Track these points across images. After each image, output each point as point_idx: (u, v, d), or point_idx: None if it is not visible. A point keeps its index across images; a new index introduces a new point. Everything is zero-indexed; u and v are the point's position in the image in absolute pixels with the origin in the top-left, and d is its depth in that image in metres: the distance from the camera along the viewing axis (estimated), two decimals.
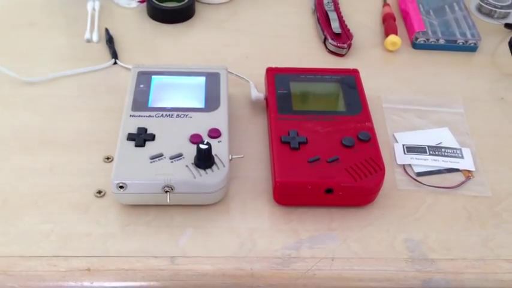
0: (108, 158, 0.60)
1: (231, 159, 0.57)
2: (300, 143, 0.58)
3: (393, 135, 0.65)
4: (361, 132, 0.59)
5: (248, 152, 0.62)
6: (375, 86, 0.70)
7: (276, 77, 0.66)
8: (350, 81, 0.66)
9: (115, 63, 0.73)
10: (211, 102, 0.62)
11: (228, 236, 0.54)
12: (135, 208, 0.56)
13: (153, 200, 0.55)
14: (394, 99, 0.69)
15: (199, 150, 0.54)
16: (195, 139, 0.57)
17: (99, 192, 0.57)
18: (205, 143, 0.54)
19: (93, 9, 0.81)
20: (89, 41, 0.77)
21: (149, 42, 0.78)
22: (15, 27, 0.78)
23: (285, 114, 0.61)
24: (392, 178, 0.60)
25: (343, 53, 0.76)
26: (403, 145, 0.63)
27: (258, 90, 0.68)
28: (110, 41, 0.76)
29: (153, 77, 0.65)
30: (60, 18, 0.81)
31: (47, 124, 0.64)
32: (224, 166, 0.55)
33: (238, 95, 0.69)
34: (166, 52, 0.76)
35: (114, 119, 0.61)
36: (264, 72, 0.68)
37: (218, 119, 0.60)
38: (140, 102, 0.62)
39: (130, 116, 0.60)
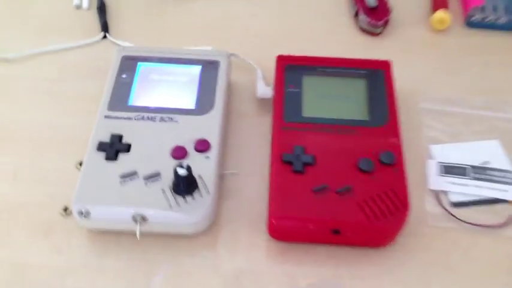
0: (81, 164, 0.51)
1: (222, 175, 0.47)
2: (305, 164, 0.47)
3: (428, 147, 0.52)
4: (384, 153, 0.47)
5: (246, 164, 0.51)
6: (412, 78, 0.57)
7: (287, 69, 0.54)
8: (378, 78, 0.53)
9: (105, 37, 0.62)
10: (204, 102, 0.51)
11: (210, 276, 0.45)
12: (104, 234, 0.47)
13: (122, 227, 0.45)
14: (435, 98, 0.56)
15: (176, 175, 0.44)
16: (177, 154, 0.47)
17: (65, 209, 0.48)
18: (184, 166, 0.44)
19: None
20: (78, 7, 0.66)
21: (150, 11, 0.66)
22: None
23: (292, 122, 0.50)
24: (421, 208, 0.48)
25: (378, 32, 0.62)
26: (439, 163, 0.51)
27: (267, 83, 0.56)
28: (101, 8, 0.64)
29: (139, 63, 0.54)
30: None
31: (15, 114, 0.55)
32: (209, 193, 0.45)
33: (244, 84, 0.58)
34: (168, 24, 0.64)
35: (96, 112, 0.51)
36: (276, 55, 0.56)
37: (209, 125, 0.49)
38: (119, 99, 0.51)
39: (105, 117, 0.50)
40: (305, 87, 0.52)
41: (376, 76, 0.53)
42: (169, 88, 0.52)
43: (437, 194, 0.49)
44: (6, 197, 0.49)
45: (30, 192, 0.50)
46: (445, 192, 0.49)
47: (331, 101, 0.51)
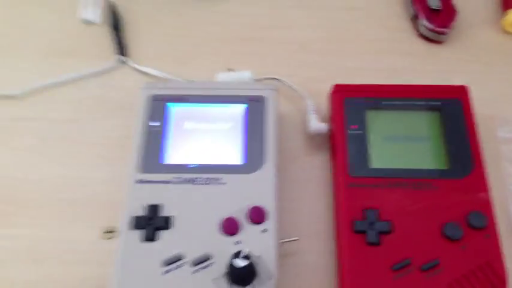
0: (110, 232, 0.44)
1: (281, 243, 0.41)
2: (381, 233, 0.39)
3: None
4: (473, 213, 0.40)
5: (303, 223, 0.44)
6: (485, 96, 0.49)
7: (347, 104, 0.45)
8: (455, 110, 0.45)
9: (123, 61, 0.53)
10: (254, 153, 0.43)
11: None
12: None
13: None
14: None
15: (234, 267, 0.37)
16: (228, 228, 0.40)
17: None
18: (243, 255, 0.36)
19: None
20: (87, 22, 0.56)
21: (174, 24, 0.56)
22: None
23: (359, 176, 0.42)
24: None
25: (442, 40, 0.53)
26: None
27: (319, 114, 0.48)
28: (115, 26, 0.55)
29: (170, 105, 0.46)
30: None
31: (25, 170, 0.47)
32: (271, 279, 0.38)
33: (288, 114, 0.50)
34: (196, 39, 0.55)
35: (121, 159, 0.44)
36: (326, 74, 0.48)
37: (263, 186, 0.42)
38: (151, 156, 0.43)
39: (137, 181, 0.42)
40: (369, 127, 0.44)
41: (453, 107, 0.45)
42: (209, 137, 0.44)
43: None
44: (24, 283, 0.42)
45: (52, 276, 0.42)
46: None
47: (401, 145, 0.44)
